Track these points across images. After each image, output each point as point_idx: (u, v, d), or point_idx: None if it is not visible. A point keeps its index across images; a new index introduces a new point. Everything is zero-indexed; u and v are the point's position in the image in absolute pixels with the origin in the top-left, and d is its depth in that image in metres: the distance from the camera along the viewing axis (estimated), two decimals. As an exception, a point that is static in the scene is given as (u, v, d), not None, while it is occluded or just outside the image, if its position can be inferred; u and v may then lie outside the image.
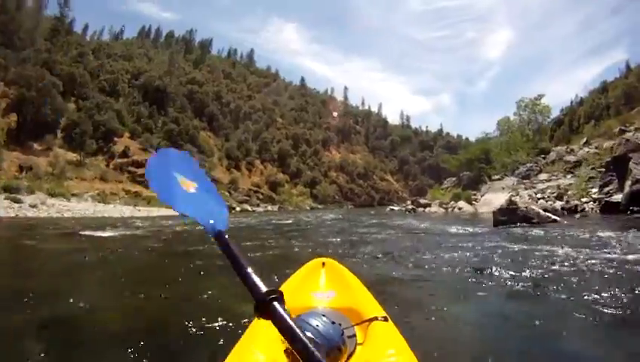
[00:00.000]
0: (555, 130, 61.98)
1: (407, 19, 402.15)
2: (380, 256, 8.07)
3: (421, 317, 4.06)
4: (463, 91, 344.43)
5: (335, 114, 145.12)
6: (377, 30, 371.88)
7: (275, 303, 1.02)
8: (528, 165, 38.02)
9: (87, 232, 14.42)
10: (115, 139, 64.94)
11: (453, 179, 51.38)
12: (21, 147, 50.98)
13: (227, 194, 67.95)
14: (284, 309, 1.01)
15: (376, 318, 2.13)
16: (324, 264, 2.98)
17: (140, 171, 59.18)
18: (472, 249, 8.44)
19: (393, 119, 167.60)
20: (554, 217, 14.76)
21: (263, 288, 1.05)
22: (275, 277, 4.23)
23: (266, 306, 1.01)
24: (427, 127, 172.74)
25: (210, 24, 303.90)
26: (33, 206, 30.52)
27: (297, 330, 0.95)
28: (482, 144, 49.96)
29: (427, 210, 33.46)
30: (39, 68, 57.77)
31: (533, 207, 15.98)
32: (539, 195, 25.70)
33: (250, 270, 1.09)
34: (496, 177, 38.24)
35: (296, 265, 3.11)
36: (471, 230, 13.08)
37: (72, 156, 55.31)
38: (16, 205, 30.01)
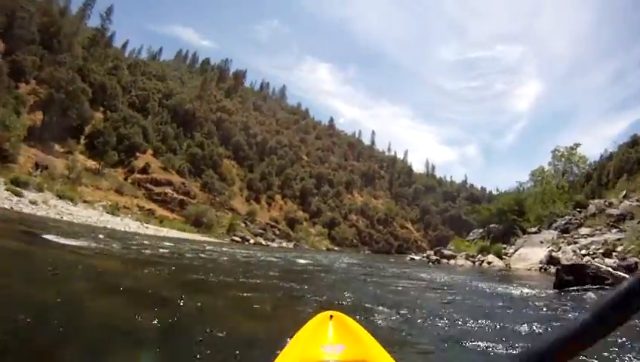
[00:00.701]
0: (584, 184, 59.52)
1: (438, 69, 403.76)
2: (402, 318, 5.88)
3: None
4: (489, 143, 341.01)
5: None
6: (409, 77, 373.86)
7: None
8: (567, 218, 34.24)
9: (50, 237, 12.10)
10: (137, 154, 63.96)
11: (480, 231, 48.35)
12: (42, 145, 50.12)
13: (243, 225, 66.06)
14: None
15: None
16: (331, 317, 2.82)
17: (157, 189, 58.01)
18: (537, 321, 5.83)
19: (418, 168, 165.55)
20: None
21: None
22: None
23: None
24: (452, 177, 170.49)
25: (246, 57, 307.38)
26: (33, 202, 28.97)
27: None
28: (515, 195, 45.79)
29: (452, 262, 31.08)
30: (71, 72, 57.38)
31: (600, 265, 13.44)
32: (583, 251, 22.80)
33: None
34: (533, 230, 34.63)
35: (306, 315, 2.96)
36: (525, 292, 10.34)
37: (92, 164, 54.41)
38: (15, 198, 28.53)
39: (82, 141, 57.99)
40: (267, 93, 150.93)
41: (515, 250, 29.49)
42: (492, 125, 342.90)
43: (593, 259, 20.14)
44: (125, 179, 58.27)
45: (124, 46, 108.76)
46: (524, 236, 33.41)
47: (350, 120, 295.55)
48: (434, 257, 33.04)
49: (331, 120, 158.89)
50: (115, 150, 58.42)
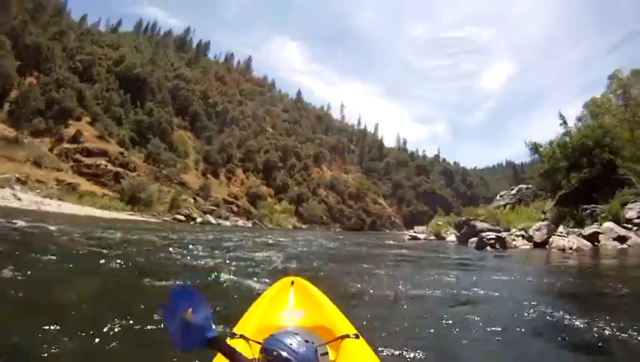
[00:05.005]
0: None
1: (409, 46, 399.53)
2: None
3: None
4: (458, 121, 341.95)
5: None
6: (380, 55, 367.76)
7: None
8: None
9: None
10: (70, 121, 56.08)
11: (513, 192, 38.33)
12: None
13: (192, 201, 58.55)
14: None
15: (347, 336, 2.27)
16: (292, 283, 3.11)
17: (87, 161, 50.63)
18: None
19: (389, 142, 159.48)
20: None
21: None
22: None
23: None
24: (424, 151, 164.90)
25: (215, 34, 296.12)
26: None
27: None
28: (597, 125, 26.91)
29: (520, 245, 19.56)
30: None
31: None
32: None
33: None
34: None
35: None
36: None
37: (9, 132, 46.79)
38: None
39: (6, 107, 50.58)
40: (231, 65, 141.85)
41: None
42: (462, 104, 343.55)
43: None
44: (51, 149, 50.57)
45: (83, 20, 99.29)
46: None
47: (319, 97, 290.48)
48: (492, 236, 19.70)
49: (299, 93, 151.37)
50: (42, 116, 50.86)
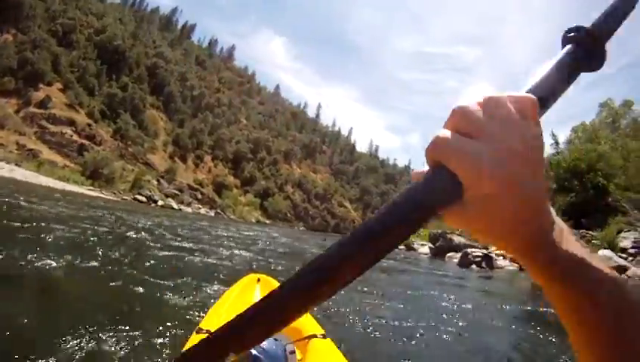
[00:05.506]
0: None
1: (394, 57, 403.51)
2: None
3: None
4: (433, 134, 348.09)
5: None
6: (365, 62, 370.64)
7: None
8: None
9: None
10: (41, 85, 54.60)
11: None
12: None
13: (155, 182, 57.52)
14: None
15: (315, 335, 2.25)
16: (259, 280, 3.07)
17: (53, 128, 49.35)
18: None
19: (361, 147, 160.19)
20: None
21: None
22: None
23: None
24: (395, 159, 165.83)
25: (202, 18, 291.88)
26: None
27: None
28: (590, 148, 26.67)
29: (506, 266, 18.61)
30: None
31: None
32: None
33: None
34: None
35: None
36: None
37: (-23, 90, 45.31)
38: None
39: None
40: (214, 51, 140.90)
41: None
42: (439, 119, 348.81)
43: None
44: (17, 111, 49.10)
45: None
46: None
47: (298, 95, 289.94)
48: (477, 253, 18.97)
49: (277, 87, 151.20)
50: (13, 76, 49.44)
